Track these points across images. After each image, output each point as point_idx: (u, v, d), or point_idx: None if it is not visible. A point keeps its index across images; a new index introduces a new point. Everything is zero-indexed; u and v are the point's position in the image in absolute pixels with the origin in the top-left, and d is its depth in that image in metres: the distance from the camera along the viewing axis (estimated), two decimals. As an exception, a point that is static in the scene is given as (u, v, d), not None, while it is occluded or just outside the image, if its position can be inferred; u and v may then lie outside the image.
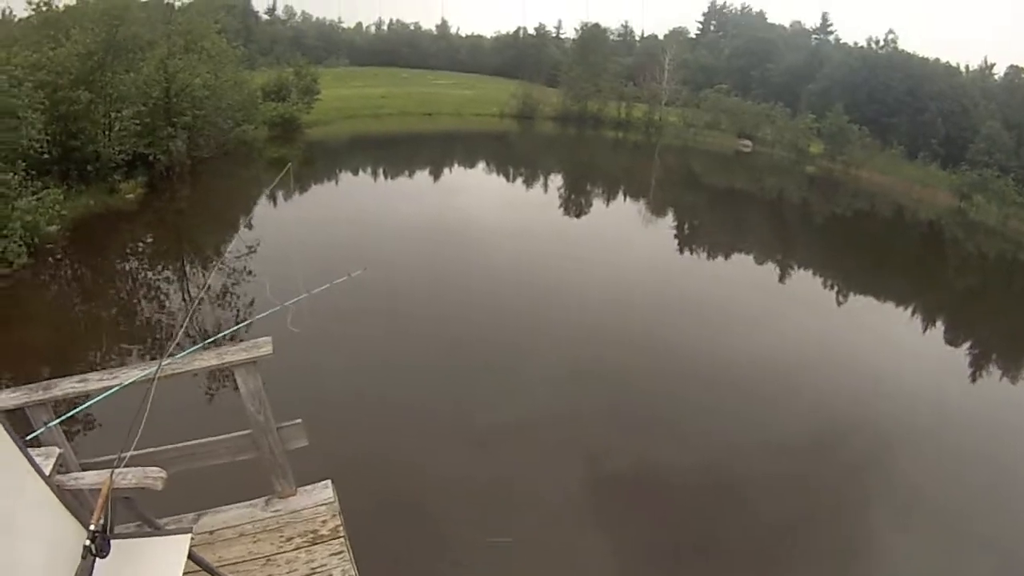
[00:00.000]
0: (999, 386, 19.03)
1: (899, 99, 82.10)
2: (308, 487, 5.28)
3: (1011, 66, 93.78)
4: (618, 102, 65.26)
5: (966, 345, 23.29)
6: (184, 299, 15.74)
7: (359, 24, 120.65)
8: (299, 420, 5.04)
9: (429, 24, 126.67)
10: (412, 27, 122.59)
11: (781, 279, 26.58)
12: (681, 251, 28.53)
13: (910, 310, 25.38)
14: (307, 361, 11.00)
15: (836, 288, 26.28)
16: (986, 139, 77.09)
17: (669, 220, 34.02)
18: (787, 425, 13.23)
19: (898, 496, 11.24)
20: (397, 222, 24.42)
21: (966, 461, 13.01)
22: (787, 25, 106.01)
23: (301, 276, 5.99)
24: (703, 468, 11.06)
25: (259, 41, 74.53)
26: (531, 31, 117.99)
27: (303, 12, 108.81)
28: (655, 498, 10.23)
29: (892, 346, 20.33)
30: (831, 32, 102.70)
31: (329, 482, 5.32)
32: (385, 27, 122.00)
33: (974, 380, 19.15)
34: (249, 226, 20.24)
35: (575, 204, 34.61)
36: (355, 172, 33.36)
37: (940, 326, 24.79)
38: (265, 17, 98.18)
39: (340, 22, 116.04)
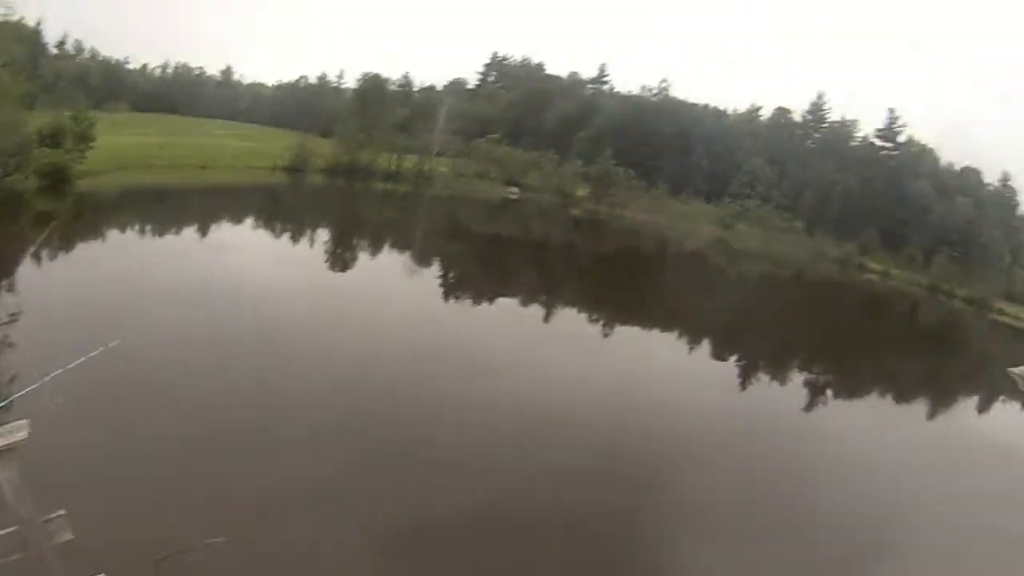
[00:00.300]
0: (760, 392, 21.16)
1: (667, 142, 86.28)
2: None
3: (777, 108, 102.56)
4: (390, 153, 63.52)
5: (733, 359, 25.02)
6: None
7: (145, 66, 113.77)
8: (63, 511, 4.57)
9: (214, 69, 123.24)
10: (197, 71, 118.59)
11: (545, 319, 25.83)
12: (446, 299, 27.10)
13: (674, 335, 26.22)
14: (71, 441, 9.80)
15: (603, 322, 26.36)
16: (748, 173, 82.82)
17: (434, 270, 32.48)
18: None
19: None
20: (161, 284, 21.51)
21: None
22: (565, 76, 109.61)
23: (61, 347, 6.06)
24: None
25: (44, 76, 67.68)
26: (313, 80, 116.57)
27: (92, 48, 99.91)
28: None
29: (661, 373, 20.92)
30: (606, 82, 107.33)
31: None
32: (171, 70, 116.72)
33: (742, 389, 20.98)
34: (11, 289, 17.93)
35: (340, 259, 32.25)
36: (123, 229, 29.18)
37: (706, 345, 25.90)
38: (54, 51, 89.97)
39: (126, 62, 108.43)
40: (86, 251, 24.60)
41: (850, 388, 24.81)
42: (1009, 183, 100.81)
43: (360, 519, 10.45)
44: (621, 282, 36.25)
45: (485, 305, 27.20)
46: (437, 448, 13.02)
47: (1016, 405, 28.36)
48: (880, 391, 25.35)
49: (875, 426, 20.11)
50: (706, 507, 11.97)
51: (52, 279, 20.40)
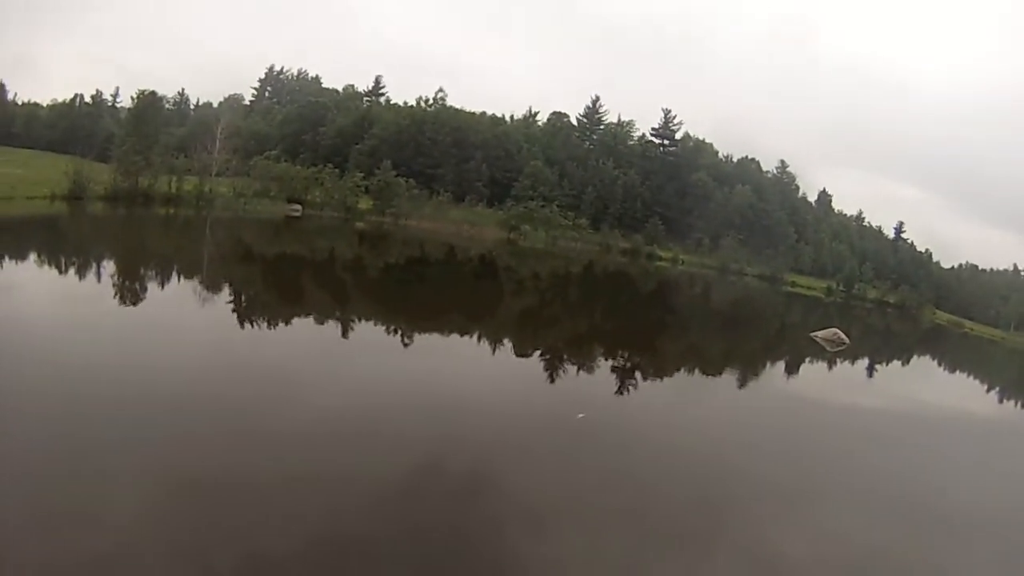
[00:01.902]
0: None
1: (445, 151, 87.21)
2: None
3: (553, 112, 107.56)
4: (169, 176, 58.54)
5: (536, 354, 25.02)
6: None
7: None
8: None
9: None
10: None
11: (344, 334, 24.69)
12: (241, 324, 24.86)
13: (473, 337, 25.92)
14: None
15: (398, 331, 25.46)
16: (529, 176, 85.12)
17: (224, 295, 29.77)
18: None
19: None
20: None
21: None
22: (340, 89, 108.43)
23: None
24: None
25: None
26: (88, 99, 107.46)
27: None
28: None
29: (467, 373, 20.65)
30: (383, 94, 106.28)
31: None
32: None
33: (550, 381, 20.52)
34: None
35: (127, 291, 28.50)
36: None
37: (507, 344, 25.74)
38: None
39: None
40: None
41: (657, 369, 25.57)
42: (788, 169, 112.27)
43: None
44: (412, 291, 36.14)
45: (281, 326, 25.29)
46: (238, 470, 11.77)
47: (824, 365, 31.64)
48: (688, 368, 26.84)
49: (686, 401, 20.93)
50: (535, 506, 11.55)
51: None
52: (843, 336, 35.65)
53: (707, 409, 20.05)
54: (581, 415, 14.96)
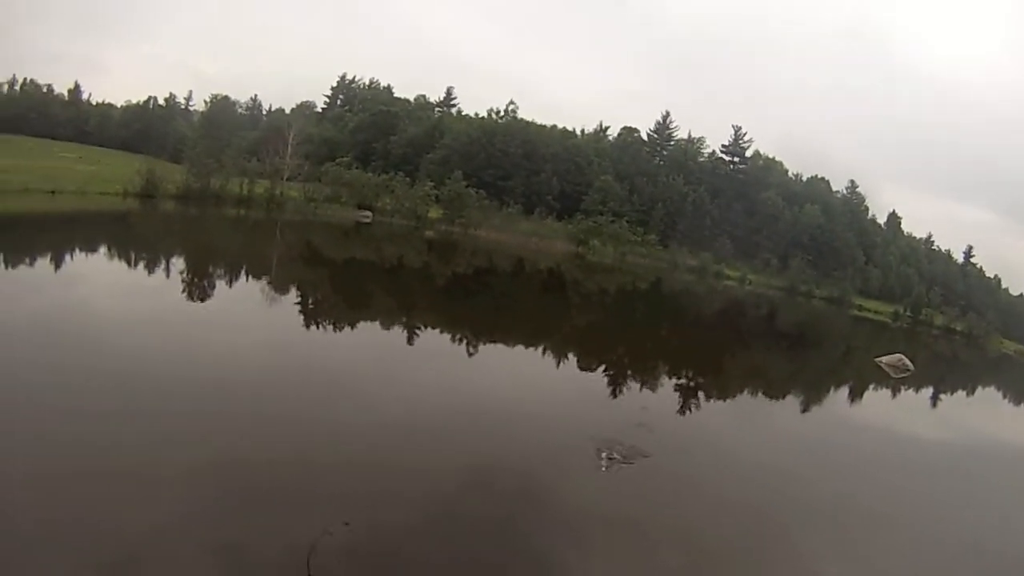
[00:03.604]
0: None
1: (516, 162, 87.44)
2: None
3: (624, 127, 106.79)
4: (240, 178, 60.34)
5: (600, 369, 24.55)
6: None
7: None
8: None
9: (62, 87, 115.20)
10: (45, 89, 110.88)
11: (409, 340, 24.62)
12: (307, 325, 25.21)
13: (539, 349, 25.71)
14: None
15: (462, 340, 25.34)
16: (599, 191, 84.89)
17: (293, 296, 30.36)
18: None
19: None
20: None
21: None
22: (412, 99, 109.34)
23: None
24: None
25: None
26: (161, 102, 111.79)
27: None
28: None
29: (531, 385, 20.42)
30: (454, 104, 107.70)
31: None
32: (18, 87, 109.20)
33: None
34: None
35: (197, 287, 29.65)
36: None
37: (570, 357, 25.40)
38: None
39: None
40: None
41: (720, 389, 24.92)
42: (857, 190, 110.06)
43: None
44: (481, 301, 36.01)
45: (347, 329, 25.60)
46: (314, 475, 11.88)
47: (887, 392, 30.24)
48: (752, 389, 25.87)
49: (745, 422, 20.40)
50: (584, 520, 11.45)
51: None
52: (908, 363, 34.02)
53: (766, 432, 19.65)
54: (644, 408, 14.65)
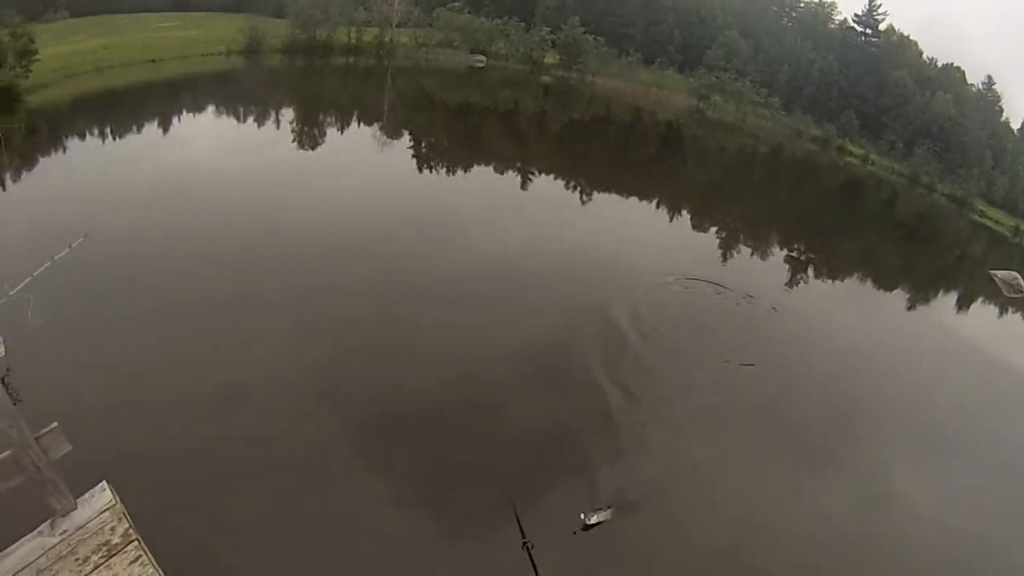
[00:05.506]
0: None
1: (635, 11, 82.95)
2: (86, 496, 4.85)
3: None
4: (348, 27, 59.74)
5: (713, 230, 24.59)
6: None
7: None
8: (55, 424, 4.46)
9: None
10: None
11: (523, 186, 25.55)
12: (420, 169, 26.27)
13: (652, 204, 25.83)
14: (56, 352, 9.78)
15: (580, 189, 25.78)
16: (723, 46, 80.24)
17: (405, 142, 30.93)
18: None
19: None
20: (124, 183, 20.68)
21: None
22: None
23: (31, 260, 5.02)
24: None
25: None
26: None
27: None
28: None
29: (641, 239, 21.04)
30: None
31: (105, 484, 4.93)
32: None
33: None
34: None
35: (308, 137, 30.59)
36: (82, 136, 27.46)
37: (684, 215, 25.54)
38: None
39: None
40: (43, 164, 23.36)
41: (830, 269, 24.38)
42: (994, 87, 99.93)
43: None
44: (596, 149, 34.99)
45: (461, 174, 26.36)
46: (422, 309, 13.19)
47: (994, 309, 28.04)
48: (860, 276, 25.01)
49: (855, 310, 20.21)
50: (687, 385, 12.30)
51: (7, 198, 19.23)
52: (1023, 283, 32.27)
53: (865, 320, 19.27)
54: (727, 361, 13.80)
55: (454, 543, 8.27)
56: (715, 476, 10.02)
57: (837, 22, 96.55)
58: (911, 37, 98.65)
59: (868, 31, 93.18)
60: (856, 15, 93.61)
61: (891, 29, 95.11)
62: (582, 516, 8.52)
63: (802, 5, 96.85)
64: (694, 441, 10.76)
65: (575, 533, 8.49)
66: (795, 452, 11.00)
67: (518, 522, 8.26)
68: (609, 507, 8.79)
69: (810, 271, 22.83)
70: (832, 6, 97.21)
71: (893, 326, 19.86)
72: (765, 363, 13.45)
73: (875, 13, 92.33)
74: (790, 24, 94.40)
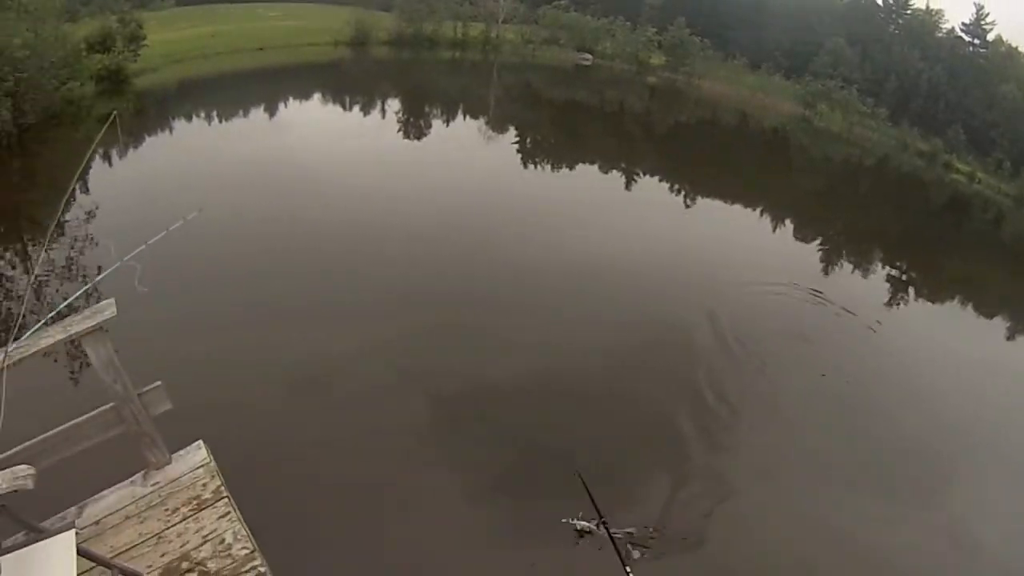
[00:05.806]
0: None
1: (741, 15, 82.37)
2: (181, 452, 5.18)
3: None
4: (454, 22, 61.11)
5: (816, 242, 24.75)
6: (28, 279, 14.08)
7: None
8: (159, 383, 4.76)
9: None
10: None
11: (627, 187, 26.15)
12: (525, 165, 27.32)
13: (756, 211, 26.01)
14: (161, 317, 10.47)
15: (683, 192, 26.36)
16: (830, 53, 78.57)
17: (510, 136, 31.97)
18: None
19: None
20: (234, 164, 22.21)
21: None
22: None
23: (141, 231, 5.25)
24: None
25: (79, -15, 65.91)
26: None
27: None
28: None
29: (745, 245, 21.27)
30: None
31: (201, 443, 5.27)
32: None
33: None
34: (85, 189, 18.24)
35: (413, 127, 31.99)
36: (188, 118, 29.46)
37: (788, 224, 25.76)
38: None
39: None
40: (151, 142, 25.11)
41: (934, 290, 23.91)
42: None
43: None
44: (701, 153, 35.63)
45: (565, 171, 27.10)
46: (525, 298, 14.13)
47: None
48: (962, 300, 24.03)
49: (961, 336, 19.67)
50: (769, 399, 12.25)
51: (124, 173, 20.74)
52: None
53: (974, 348, 18.30)
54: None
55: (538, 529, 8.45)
56: (802, 491, 10.02)
57: (944, 31, 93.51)
58: (1019, 48, 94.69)
59: (976, 41, 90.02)
60: (963, 24, 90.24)
61: (999, 39, 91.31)
62: (565, 521, 8.41)
63: (908, 12, 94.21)
64: (783, 454, 10.88)
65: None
66: (886, 480, 10.68)
67: (592, 501, 8.53)
68: (600, 520, 8.51)
69: (911, 291, 22.63)
70: (939, 14, 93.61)
71: (1004, 359, 19.16)
72: (861, 381, 13.43)
73: (982, 23, 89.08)
74: (896, 32, 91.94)
